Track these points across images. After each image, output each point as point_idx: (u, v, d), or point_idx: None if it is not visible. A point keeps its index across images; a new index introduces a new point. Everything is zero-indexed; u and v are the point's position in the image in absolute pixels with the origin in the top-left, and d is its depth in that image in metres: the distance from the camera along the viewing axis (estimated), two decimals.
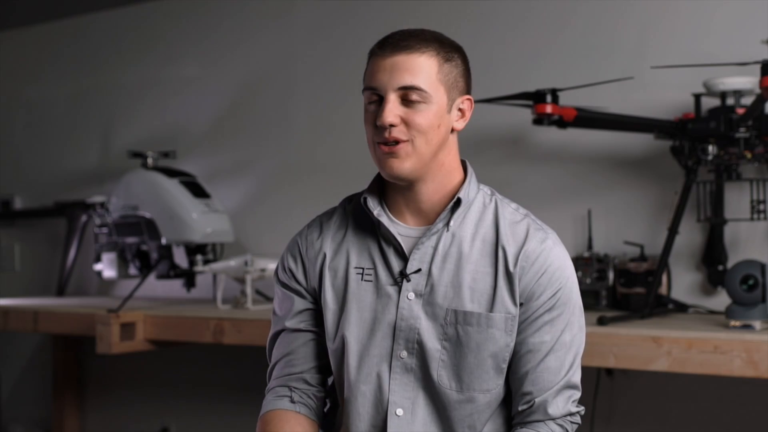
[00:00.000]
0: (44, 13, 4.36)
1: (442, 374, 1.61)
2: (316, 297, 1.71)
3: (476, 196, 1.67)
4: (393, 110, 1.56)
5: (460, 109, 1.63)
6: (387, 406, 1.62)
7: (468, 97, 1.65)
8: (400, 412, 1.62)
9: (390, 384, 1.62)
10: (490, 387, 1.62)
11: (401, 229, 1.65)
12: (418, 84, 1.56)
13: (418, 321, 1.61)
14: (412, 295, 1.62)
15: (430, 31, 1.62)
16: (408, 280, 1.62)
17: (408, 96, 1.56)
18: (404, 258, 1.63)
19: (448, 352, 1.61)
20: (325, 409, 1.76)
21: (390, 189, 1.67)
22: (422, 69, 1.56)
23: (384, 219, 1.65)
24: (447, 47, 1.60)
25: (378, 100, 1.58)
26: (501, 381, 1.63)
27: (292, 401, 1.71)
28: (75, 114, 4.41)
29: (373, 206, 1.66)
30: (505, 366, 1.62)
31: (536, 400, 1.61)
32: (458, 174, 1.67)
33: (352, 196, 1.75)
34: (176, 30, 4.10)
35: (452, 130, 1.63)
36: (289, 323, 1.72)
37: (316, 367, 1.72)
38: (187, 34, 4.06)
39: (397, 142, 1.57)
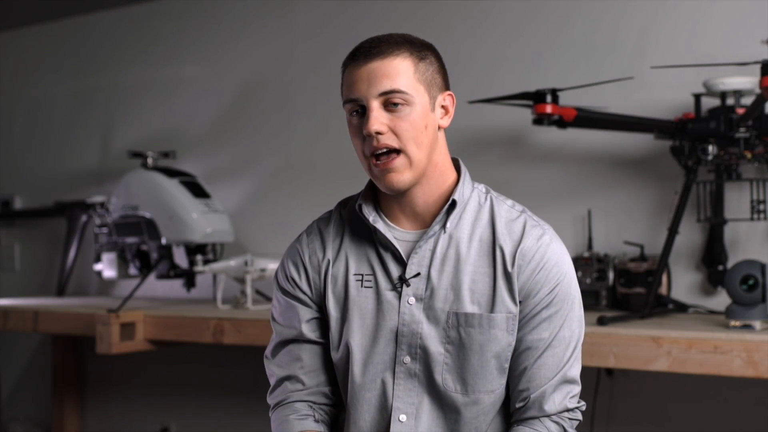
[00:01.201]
0: (44, 13, 4.36)
1: (446, 378, 1.61)
2: (321, 305, 1.69)
3: (471, 195, 1.66)
4: (378, 118, 1.55)
5: (443, 107, 1.63)
6: (391, 412, 1.61)
7: (449, 93, 1.64)
8: (403, 417, 1.62)
9: (394, 390, 1.62)
10: (495, 387, 1.62)
11: (398, 233, 1.65)
12: (398, 87, 1.55)
13: (420, 325, 1.61)
14: (412, 300, 1.61)
15: (398, 33, 1.61)
16: (408, 285, 1.61)
17: (390, 101, 1.55)
18: (402, 263, 1.63)
19: (451, 355, 1.60)
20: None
21: (385, 194, 1.65)
22: (399, 71, 1.56)
23: (380, 225, 1.64)
24: (418, 46, 1.60)
25: (360, 111, 1.57)
26: (504, 381, 1.63)
27: (316, 420, 1.69)
28: (75, 114, 4.41)
29: (368, 213, 1.65)
30: (507, 365, 1.62)
31: (531, 396, 1.60)
32: (451, 173, 1.66)
33: (347, 201, 1.74)
34: (176, 30, 4.10)
35: (438, 128, 1.63)
36: (297, 333, 1.69)
37: (330, 379, 1.70)
38: (187, 34, 4.06)
39: (388, 150, 1.56)
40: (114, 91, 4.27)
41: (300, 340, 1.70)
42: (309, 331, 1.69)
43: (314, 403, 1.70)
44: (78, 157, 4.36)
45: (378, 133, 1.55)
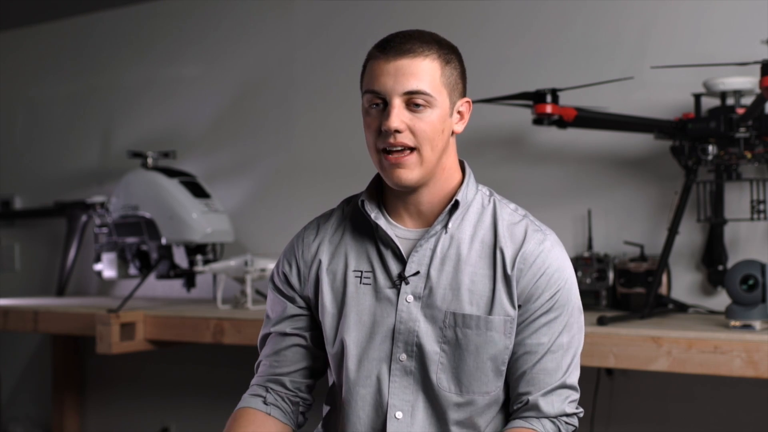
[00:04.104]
0: (44, 13, 4.36)
1: (441, 377, 1.61)
2: (309, 302, 1.71)
3: (474, 197, 1.66)
4: (399, 115, 1.55)
5: (459, 112, 1.63)
6: (386, 409, 1.62)
7: (467, 99, 1.65)
8: (399, 415, 1.62)
9: (389, 387, 1.62)
10: (490, 389, 1.62)
11: (399, 231, 1.65)
12: (423, 88, 1.55)
13: (417, 324, 1.61)
14: (410, 298, 1.61)
15: (427, 32, 1.61)
16: (407, 283, 1.62)
17: (413, 101, 1.55)
18: (402, 261, 1.63)
19: (447, 355, 1.60)
20: (305, 413, 1.78)
21: (388, 191, 1.66)
22: (426, 73, 1.56)
23: (381, 222, 1.65)
24: (446, 49, 1.60)
25: (381, 105, 1.57)
26: (500, 383, 1.63)
27: (266, 402, 1.72)
28: (75, 114, 4.41)
29: (370, 209, 1.65)
30: (504, 368, 1.62)
31: (530, 398, 1.61)
32: (457, 175, 1.66)
33: (351, 198, 1.75)
34: (176, 30, 4.10)
35: (452, 133, 1.63)
36: (278, 327, 1.73)
37: (298, 372, 1.73)
38: (187, 34, 4.06)
39: (402, 148, 1.56)
40: (114, 91, 4.27)
41: (279, 333, 1.73)
42: (289, 325, 1.72)
43: (270, 389, 1.74)
44: (78, 157, 4.36)
45: (397, 131, 1.55)
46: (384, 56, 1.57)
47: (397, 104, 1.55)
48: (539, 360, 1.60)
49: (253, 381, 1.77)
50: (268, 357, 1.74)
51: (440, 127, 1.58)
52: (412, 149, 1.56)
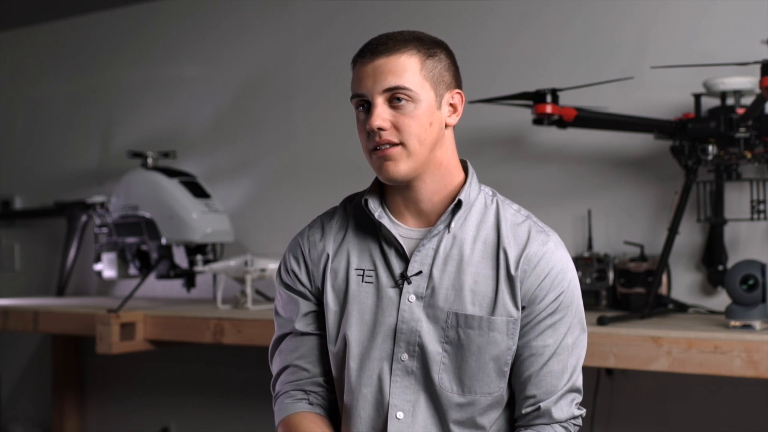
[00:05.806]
0: (44, 13, 4.36)
1: (443, 377, 1.61)
2: (320, 298, 1.70)
3: (477, 197, 1.66)
4: (381, 114, 1.55)
5: (451, 105, 1.63)
6: (387, 409, 1.62)
7: (458, 91, 1.63)
8: (400, 415, 1.62)
9: (391, 387, 1.62)
10: (492, 390, 1.62)
11: (402, 230, 1.65)
12: (402, 84, 1.55)
13: (419, 323, 1.61)
14: (413, 298, 1.61)
15: (409, 31, 1.62)
16: (409, 282, 1.61)
17: (395, 97, 1.56)
18: (405, 260, 1.63)
19: (449, 355, 1.60)
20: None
21: (390, 190, 1.66)
22: (405, 68, 1.56)
23: (385, 220, 1.64)
24: (427, 44, 1.60)
25: (366, 107, 1.58)
26: (503, 384, 1.63)
27: (311, 403, 1.71)
28: (75, 114, 4.41)
29: (374, 208, 1.65)
30: (507, 369, 1.62)
31: (541, 404, 1.61)
32: (458, 173, 1.66)
33: (353, 196, 1.75)
34: (176, 30, 4.10)
35: (446, 126, 1.63)
36: (296, 326, 1.71)
37: (327, 370, 1.71)
38: (187, 34, 4.07)
39: (389, 144, 1.56)
40: (114, 91, 4.27)
41: (299, 333, 1.71)
42: (305, 324, 1.71)
43: (309, 391, 1.72)
44: (78, 157, 4.36)
45: (380, 129, 1.55)
46: (362, 59, 1.59)
47: (379, 103, 1.56)
48: (546, 362, 1.60)
49: (285, 387, 1.73)
50: (295, 360, 1.71)
51: (426, 121, 1.57)
52: (397, 144, 1.57)
